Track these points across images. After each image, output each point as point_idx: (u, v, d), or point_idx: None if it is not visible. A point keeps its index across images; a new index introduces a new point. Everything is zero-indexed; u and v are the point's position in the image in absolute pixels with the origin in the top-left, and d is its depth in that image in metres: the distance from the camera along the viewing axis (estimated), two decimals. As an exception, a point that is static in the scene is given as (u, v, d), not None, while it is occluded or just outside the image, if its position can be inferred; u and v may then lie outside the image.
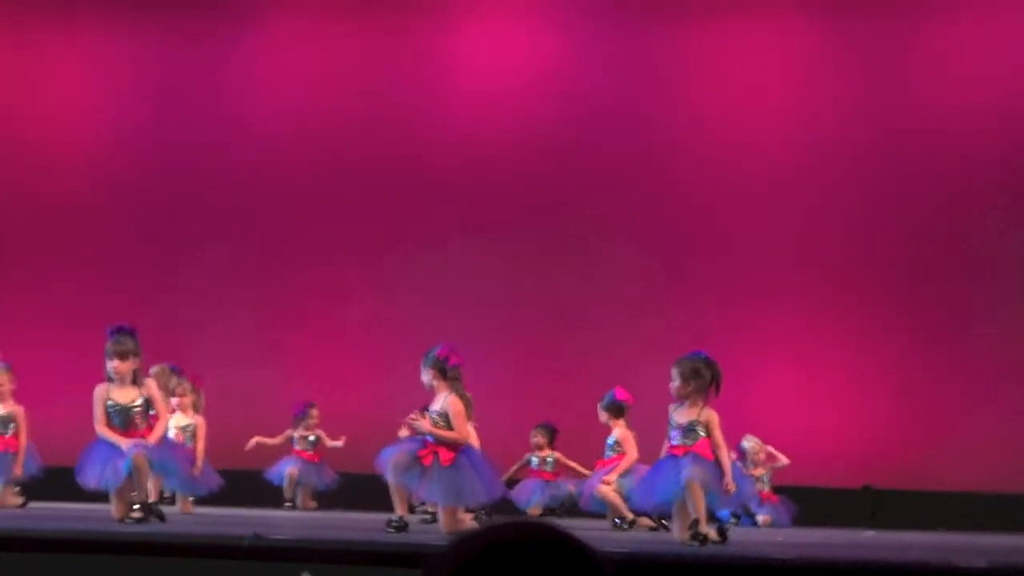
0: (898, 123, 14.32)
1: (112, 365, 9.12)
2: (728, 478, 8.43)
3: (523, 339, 14.20)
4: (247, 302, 14.83)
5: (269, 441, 13.58)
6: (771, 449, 13.07)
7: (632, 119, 14.62)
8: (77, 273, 15.09)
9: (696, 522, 8.27)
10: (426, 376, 9.02)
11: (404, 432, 9.86)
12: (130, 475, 8.96)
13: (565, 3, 15.14)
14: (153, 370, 11.12)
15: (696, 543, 8.09)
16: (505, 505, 11.09)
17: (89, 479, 9.14)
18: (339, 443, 13.48)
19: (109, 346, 9.16)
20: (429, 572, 1.98)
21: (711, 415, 8.58)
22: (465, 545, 1.97)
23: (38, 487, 11.75)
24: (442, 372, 8.97)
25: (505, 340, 13.96)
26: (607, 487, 10.98)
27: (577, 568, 1.92)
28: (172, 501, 11.65)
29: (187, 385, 11.96)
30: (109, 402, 9.13)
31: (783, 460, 13.08)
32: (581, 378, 12.47)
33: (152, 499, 9.84)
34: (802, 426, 13.50)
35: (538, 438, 12.74)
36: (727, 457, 8.66)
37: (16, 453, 11.31)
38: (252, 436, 13.56)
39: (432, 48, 15.04)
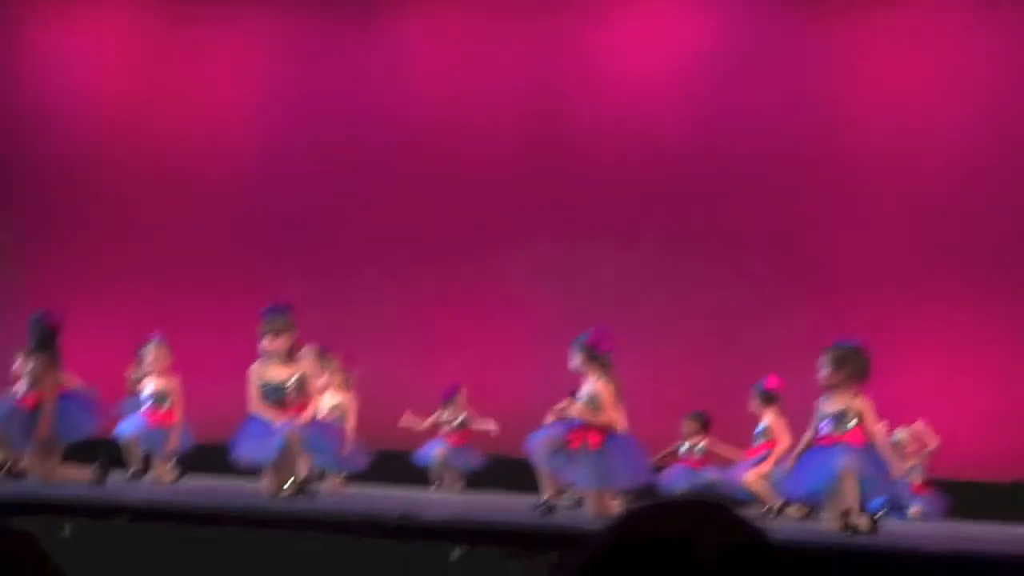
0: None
1: (265, 343, 9.26)
2: (893, 463, 8.36)
3: (675, 328, 14.14)
4: (399, 284, 14.94)
5: (418, 423, 13.65)
6: (920, 427, 12.85)
7: (783, 114, 14.48)
8: (234, 252, 15.32)
9: (848, 511, 8.18)
10: (576, 361, 9.02)
11: (552, 418, 9.86)
12: (282, 453, 9.10)
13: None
14: (302, 350, 11.29)
15: (847, 533, 8.00)
16: (651, 491, 11.06)
17: (243, 455, 9.31)
18: (490, 426, 13.45)
19: (263, 324, 9.30)
20: (574, 559, 1.94)
21: (864, 403, 8.49)
22: (605, 539, 1.92)
23: (192, 462, 11.96)
24: (592, 357, 8.97)
25: (656, 330, 13.90)
26: (754, 476, 10.90)
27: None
28: (322, 479, 11.78)
29: (336, 364, 12.09)
30: (263, 381, 9.27)
31: (932, 442, 12.86)
32: (731, 369, 12.36)
33: (304, 476, 9.96)
34: (954, 419, 13.27)
35: (689, 426, 12.68)
36: (885, 441, 8.57)
37: (170, 428, 11.53)
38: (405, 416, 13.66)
39: (580, 39, 15.00)
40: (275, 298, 9.72)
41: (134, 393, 11.90)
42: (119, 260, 15.43)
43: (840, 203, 14.30)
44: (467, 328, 14.76)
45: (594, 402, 8.87)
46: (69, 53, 15.99)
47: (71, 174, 15.73)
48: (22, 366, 10.08)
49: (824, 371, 8.58)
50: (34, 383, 9.81)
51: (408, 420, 13.60)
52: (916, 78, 14.31)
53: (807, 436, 9.75)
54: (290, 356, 9.37)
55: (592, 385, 8.93)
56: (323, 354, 12.02)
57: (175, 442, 11.55)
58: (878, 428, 8.63)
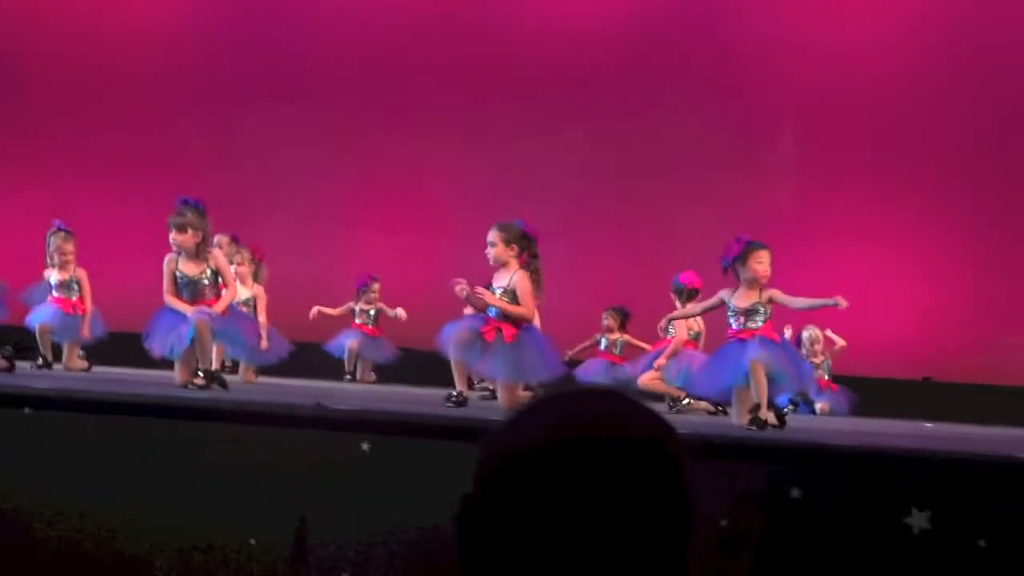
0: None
1: (171, 237, 9.22)
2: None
3: (594, 223, 14.15)
4: (315, 174, 14.87)
5: (330, 311, 13.65)
6: (829, 332, 13.02)
7: (716, 23, 14.48)
8: (148, 143, 15.14)
9: (757, 407, 8.26)
10: (497, 249, 8.94)
11: (468, 310, 9.85)
12: (193, 342, 9.07)
13: None
14: (216, 239, 11.23)
15: (755, 428, 8.08)
16: (566, 384, 11.09)
17: (155, 346, 9.29)
18: (399, 312, 13.46)
19: (169, 218, 9.24)
20: (487, 454, 1.93)
21: (773, 292, 8.56)
22: (524, 429, 1.91)
23: (104, 351, 11.89)
24: (521, 246, 8.92)
25: (576, 224, 13.89)
26: (649, 377, 10.97)
27: (644, 466, 1.86)
28: (235, 370, 11.76)
29: (246, 254, 11.99)
30: (177, 273, 9.24)
31: (840, 342, 13.04)
32: (655, 262, 12.40)
33: (215, 367, 9.93)
34: (864, 314, 13.40)
35: (609, 320, 12.71)
36: (805, 301, 8.67)
37: (82, 316, 11.44)
38: (315, 308, 13.65)
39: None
40: (189, 189, 9.65)
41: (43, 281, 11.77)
42: (31, 148, 15.20)
43: (758, 86, 14.33)
44: (383, 220, 14.71)
45: (512, 295, 8.86)
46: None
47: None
48: None
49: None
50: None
51: (319, 311, 13.59)
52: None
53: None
54: (200, 251, 9.29)
55: (512, 277, 8.90)
56: (235, 243, 11.94)
57: (87, 330, 11.47)
58: (794, 298, 8.69)
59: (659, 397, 10.94)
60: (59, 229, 11.54)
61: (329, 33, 15.14)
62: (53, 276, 11.48)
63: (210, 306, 9.20)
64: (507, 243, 8.94)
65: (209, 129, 15.16)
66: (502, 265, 8.96)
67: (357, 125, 14.98)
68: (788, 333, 12.54)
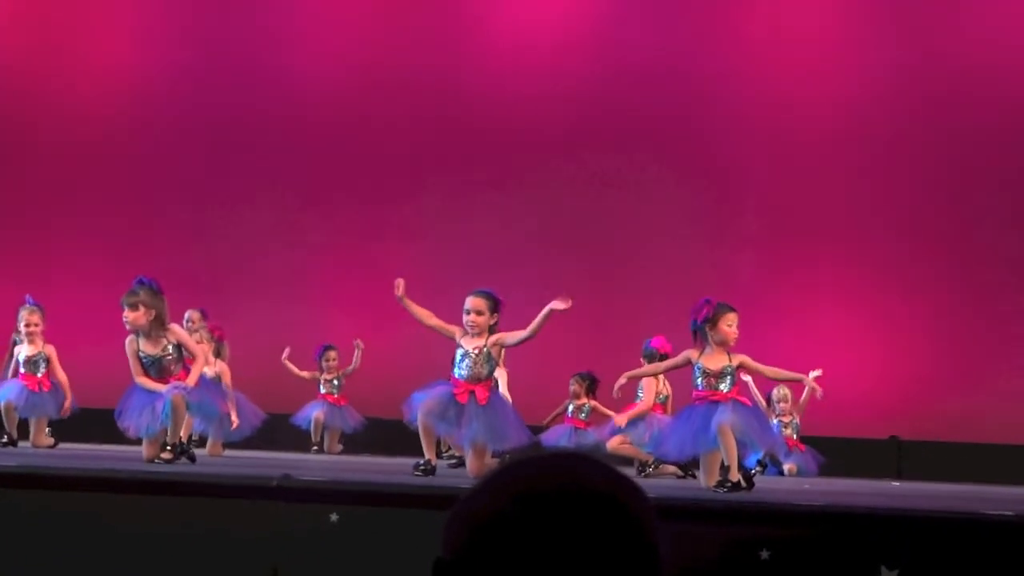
0: (949, 74, 14.27)
1: (124, 315, 9.19)
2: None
3: (560, 288, 14.14)
4: (282, 246, 14.86)
5: (294, 369, 13.62)
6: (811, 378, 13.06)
7: (672, 71, 14.58)
8: (113, 218, 15.12)
9: (726, 469, 8.28)
10: (484, 317, 8.92)
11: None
12: (167, 419, 9.04)
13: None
14: (187, 314, 11.29)
15: (723, 490, 8.10)
16: (533, 450, 11.09)
17: (130, 425, 9.22)
18: (358, 343, 13.51)
19: (122, 298, 9.22)
20: (455, 518, 1.96)
21: (743, 358, 8.61)
22: (491, 492, 1.94)
23: (70, 427, 11.85)
24: (497, 313, 8.96)
25: (542, 290, 13.86)
26: (618, 441, 10.98)
27: (608, 520, 1.89)
28: (202, 444, 11.73)
29: (205, 333, 11.92)
30: (141, 353, 9.20)
31: (810, 383, 13.06)
32: (622, 328, 12.43)
33: (183, 440, 9.90)
34: (830, 374, 13.47)
35: (576, 386, 12.72)
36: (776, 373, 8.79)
37: (49, 392, 11.42)
38: (282, 382, 13.60)
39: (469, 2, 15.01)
40: (157, 262, 9.68)
41: (11, 357, 11.74)
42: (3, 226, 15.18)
43: (733, 161, 14.44)
44: (348, 289, 14.71)
45: (490, 355, 8.91)
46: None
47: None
48: None
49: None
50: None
51: (287, 358, 13.59)
52: (813, 38, 14.48)
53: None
54: (154, 329, 9.25)
55: (488, 339, 8.93)
56: (204, 318, 11.95)
57: (67, 404, 11.45)
58: (765, 367, 8.78)
59: (628, 461, 10.94)
60: (29, 303, 11.52)
61: (295, 105, 15.18)
62: (22, 352, 11.45)
63: (181, 380, 9.18)
64: (491, 311, 8.98)
65: (179, 205, 15.15)
66: (480, 332, 8.98)
67: (319, 198, 15.00)
68: (751, 383, 12.59)
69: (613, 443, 10.99)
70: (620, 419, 10.96)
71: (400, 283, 8.99)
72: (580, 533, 1.86)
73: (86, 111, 15.38)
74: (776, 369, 8.91)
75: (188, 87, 15.34)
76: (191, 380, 9.14)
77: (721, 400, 8.54)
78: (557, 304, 8.77)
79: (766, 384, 12.85)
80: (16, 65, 15.46)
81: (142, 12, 15.62)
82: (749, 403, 8.79)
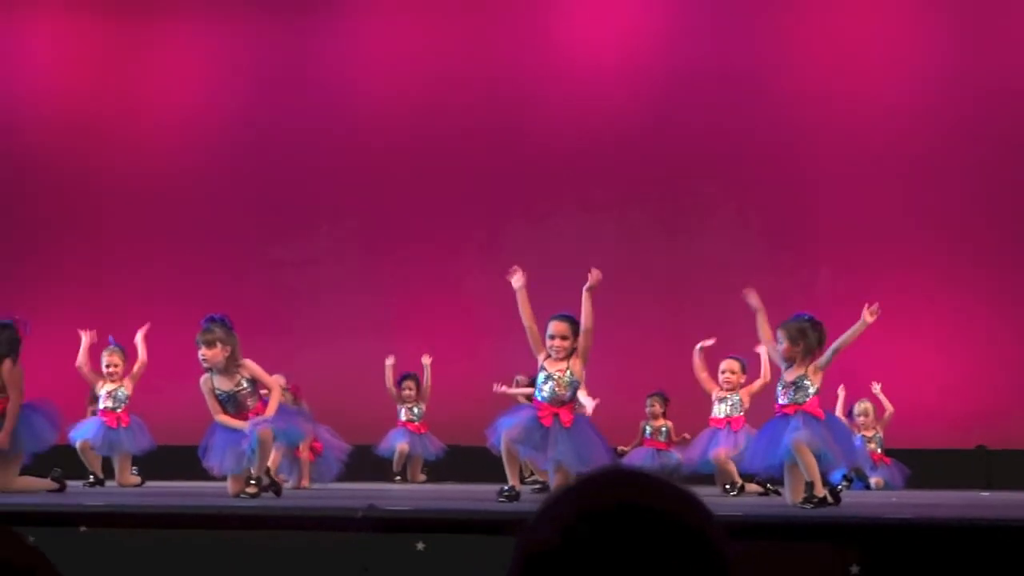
0: (1013, 87, 14.12)
1: (200, 353, 9.27)
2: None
3: (634, 311, 14.10)
4: (360, 277, 14.90)
5: (391, 379, 13.67)
6: (878, 390, 12.93)
7: (738, 90, 14.50)
8: (184, 257, 15.23)
9: (810, 485, 8.22)
10: (569, 341, 8.92)
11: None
12: (255, 454, 9.08)
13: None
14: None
15: (810, 506, 8.04)
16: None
17: (214, 464, 9.29)
18: (425, 360, 13.48)
19: (198, 336, 9.32)
20: (524, 540, 1.94)
21: (816, 364, 8.57)
22: (553, 512, 1.94)
23: (154, 465, 11.96)
24: (576, 334, 8.95)
25: (616, 313, 13.82)
26: (723, 455, 10.91)
27: (672, 536, 1.88)
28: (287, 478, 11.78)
29: (288, 396, 11.97)
30: (216, 390, 9.28)
31: (888, 408, 12.93)
32: (690, 348, 12.33)
33: (267, 475, 9.96)
34: (914, 387, 13.36)
35: (654, 407, 12.69)
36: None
37: (128, 428, 11.63)
38: (363, 411, 13.63)
39: (536, 25, 15.00)
40: (230, 298, 9.77)
41: (94, 397, 11.96)
42: (69, 260, 15.31)
43: (798, 175, 14.34)
44: (430, 318, 14.71)
45: (574, 379, 8.92)
46: (11, 60, 15.87)
47: (23, 177, 15.62)
48: None
49: (781, 345, 8.64)
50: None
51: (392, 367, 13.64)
52: (869, 45, 14.36)
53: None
54: (229, 365, 9.33)
55: (571, 364, 8.93)
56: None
57: (135, 445, 11.65)
58: (834, 344, 8.71)
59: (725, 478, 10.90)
60: (111, 344, 11.85)
61: (358, 140, 15.23)
62: (104, 390, 11.78)
63: (257, 413, 9.24)
64: (574, 335, 8.98)
65: (245, 242, 15.23)
66: (564, 356, 8.98)
67: (389, 229, 15.02)
68: (842, 395, 12.50)
69: (719, 453, 10.94)
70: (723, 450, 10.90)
71: (519, 273, 8.98)
72: (644, 550, 1.85)
73: (150, 150, 15.51)
74: (842, 337, 8.76)
75: (251, 126, 15.43)
76: (270, 411, 9.20)
77: (790, 413, 8.52)
78: (590, 283, 8.82)
79: (848, 398, 12.76)
80: (80, 107, 15.62)
81: (201, 49, 15.72)
82: (822, 415, 8.68)
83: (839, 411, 12.37)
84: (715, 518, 1.93)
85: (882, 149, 14.24)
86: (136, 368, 11.79)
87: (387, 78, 15.25)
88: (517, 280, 8.98)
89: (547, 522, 1.92)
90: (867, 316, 8.71)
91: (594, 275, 8.88)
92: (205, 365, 9.32)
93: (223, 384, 9.30)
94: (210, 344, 9.27)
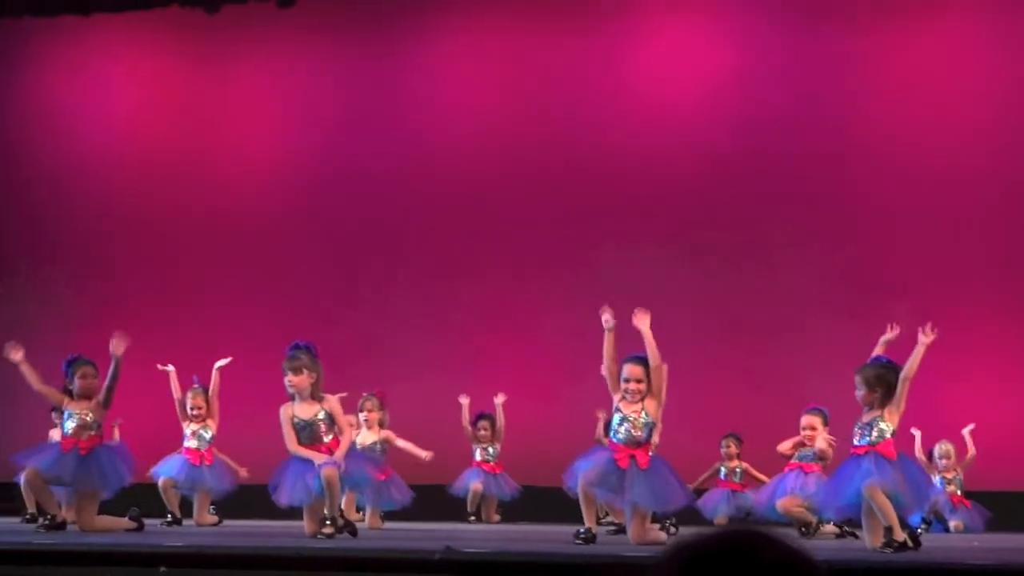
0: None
1: (287, 380, 9.38)
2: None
3: (708, 350, 14.04)
4: (435, 316, 14.92)
5: (467, 417, 13.65)
6: (965, 432, 12.78)
7: (814, 125, 14.44)
8: (264, 294, 15.33)
9: (889, 529, 8.15)
10: (643, 384, 8.91)
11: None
12: (322, 491, 9.13)
13: (744, 12, 14.94)
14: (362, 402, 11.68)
15: (889, 550, 7.96)
16: (691, 514, 11.02)
17: (282, 497, 9.35)
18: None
19: (284, 363, 9.42)
20: None
21: (892, 404, 8.49)
22: (682, 553, 1.95)
23: (232, 505, 12.05)
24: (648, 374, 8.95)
25: (690, 352, 13.76)
26: (790, 503, 10.82)
27: None
28: (362, 516, 11.82)
29: (375, 401, 12.15)
30: (295, 419, 9.35)
31: (971, 449, 12.79)
32: (768, 387, 12.29)
33: (342, 515, 10.00)
34: (994, 428, 13.20)
35: (729, 448, 12.64)
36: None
37: (211, 466, 11.78)
38: (436, 450, 13.65)
39: (609, 59, 15.01)
40: (309, 333, 9.86)
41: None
42: (155, 302, 15.45)
43: (875, 213, 14.24)
44: (497, 363, 14.69)
45: (651, 423, 8.91)
46: (94, 103, 16.08)
47: (103, 221, 15.81)
48: (70, 408, 10.07)
49: (859, 391, 8.57)
50: (85, 428, 9.91)
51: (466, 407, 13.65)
52: (945, 83, 14.26)
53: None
54: (315, 392, 9.43)
55: (646, 405, 8.92)
56: (368, 397, 12.14)
57: (217, 484, 11.82)
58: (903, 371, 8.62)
59: (788, 523, 10.80)
60: (195, 384, 12.05)
61: (433, 178, 15.28)
62: (188, 427, 12.00)
63: (331, 448, 9.28)
64: (649, 376, 8.98)
65: (324, 279, 15.32)
66: (640, 399, 8.96)
67: (464, 268, 15.04)
68: (918, 436, 12.38)
69: (784, 503, 10.84)
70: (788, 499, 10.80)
71: (610, 312, 9.00)
72: None
73: (227, 190, 15.63)
74: (907, 363, 8.67)
75: (327, 165, 15.51)
76: (340, 454, 9.23)
77: (861, 454, 8.46)
78: (639, 322, 8.90)
79: (928, 440, 12.64)
80: (160, 148, 15.79)
81: (276, 92, 15.85)
82: (894, 455, 8.57)
83: (917, 452, 12.26)
84: None
85: (961, 186, 14.09)
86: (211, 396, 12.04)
87: (461, 116, 15.30)
88: (609, 321, 8.97)
89: (667, 569, 1.93)
90: (923, 338, 8.64)
91: (642, 315, 8.87)
92: (290, 391, 9.41)
93: (303, 412, 9.38)
94: (297, 371, 9.37)
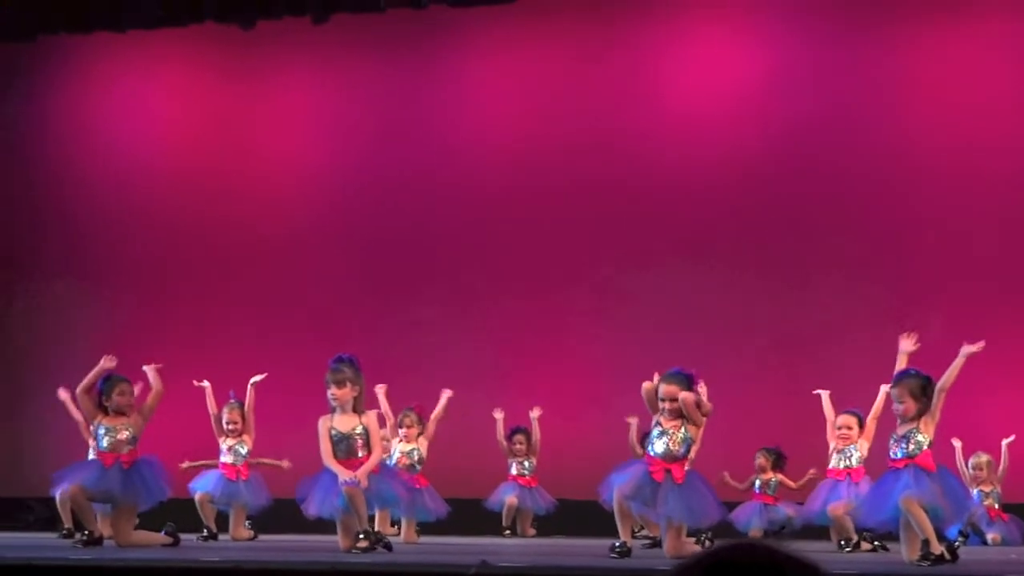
0: None
1: (330, 392, 9.42)
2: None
3: (746, 365, 13.98)
4: (470, 329, 14.92)
5: (502, 434, 13.67)
6: (1005, 443, 12.70)
7: (847, 133, 14.38)
8: (297, 307, 15.36)
9: (926, 542, 8.11)
10: (677, 402, 8.90)
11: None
12: (347, 508, 9.16)
13: (772, 21, 14.92)
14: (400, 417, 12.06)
15: (926, 563, 7.92)
16: (725, 528, 11.01)
17: (311, 508, 9.40)
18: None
19: (328, 375, 9.45)
20: None
21: (929, 415, 8.45)
22: (688, 569, 1.98)
23: (268, 520, 12.09)
24: (688, 388, 8.94)
25: (729, 364, 13.72)
26: (841, 509, 10.79)
27: None
28: (397, 530, 11.84)
29: (414, 416, 12.21)
30: (333, 431, 9.38)
31: (1004, 462, 12.70)
32: (805, 402, 12.21)
33: (379, 528, 10.03)
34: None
35: (761, 460, 12.63)
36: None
37: (247, 481, 11.85)
38: (472, 464, 13.67)
39: (640, 71, 14.99)
40: (342, 348, 9.91)
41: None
42: (190, 315, 15.51)
43: (911, 226, 14.16)
44: (540, 372, 14.68)
45: (689, 439, 8.91)
46: (130, 118, 16.16)
47: (139, 235, 15.88)
48: (106, 424, 10.11)
49: (901, 404, 8.52)
50: (123, 444, 9.97)
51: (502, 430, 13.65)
52: (981, 91, 14.18)
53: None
54: (357, 405, 9.47)
55: (685, 422, 8.92)
56: (408, 412, 12.20)
57: (253, 499, 11.88)
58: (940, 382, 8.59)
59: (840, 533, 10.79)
60: (231, 400, 12.11)
61: (468, 191, 15.28)
62: (224, 443, 12.06)
63: (362, 464, 9.31)
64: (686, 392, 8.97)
65: (356, 293, 15.35)
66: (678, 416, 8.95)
67: (499, 282, 15.02)
68: (958, 446, 12.32)
69: (836, 508, 10.82)
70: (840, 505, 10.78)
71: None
72: None
73: (263, 203, 15.65)
74: (945, 374, 8.63)
75: (364, 178, 15.51)
76: (361, 474, 9.22)
77: (901, 467, 8.43)
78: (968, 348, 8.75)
79: (966, 450, 12.57)
80: (197, 162, 15.83)
81: (313, 104, 15.90)
82: (933, 467, 8.53)
83: (959, 464, 12.20)
84: None
85: (1005, 193, 14.00)
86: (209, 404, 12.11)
87: (492, 131, 15.29)
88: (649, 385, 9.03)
89: None
90: (966, 348, 8.61)
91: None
92: (332, 403, 9.44)
93: (341, 425, 9.41)
94: (340, 384, 9.41)
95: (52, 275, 16.05)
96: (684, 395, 8.86)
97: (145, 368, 10.37)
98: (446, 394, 12.49)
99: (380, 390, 12.13)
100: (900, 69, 14.45)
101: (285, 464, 12.34)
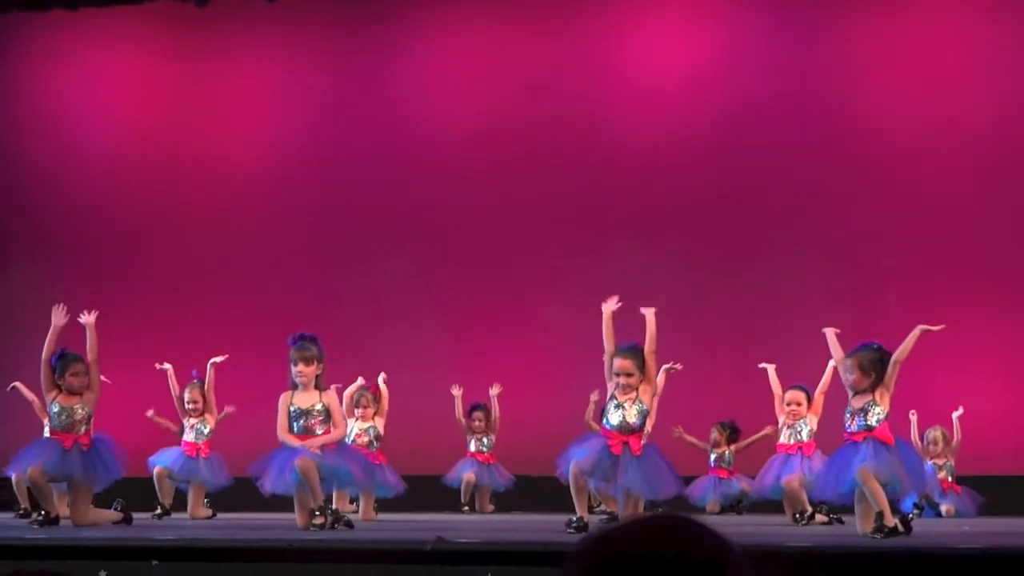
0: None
1: (296, 370, 9.42)
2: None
3: (700, 342, 14.01)
4: (428, 308, 14.92)
5: (460, 408, 13.71)
6: (955, 416, 12.78)
7: (808, 114, 14.43)
8: (255, 287, 15.32)
9: (880, 515, 8.18)
10: (635, 377, 8.96)
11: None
12: (301, 485, 9.16)
13: (728, 0, 14.95)
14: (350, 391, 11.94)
15: (879, 536, 7.98)
16: (681, 502, 11.09)
17: (266, 484, 9.41)
18: (493, 395, 13.55)
19: (293, 352, 9.48)
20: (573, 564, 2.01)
21: (883, 387, 8.52)
22: (579, 557, 1.97)
23: (227, 498, 12.08)
24: (642, 367, 9.00)
25: (682, 342, 13.76)
26: (796, 479, 10.86)
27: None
28: (356, 507, 11.85)
29: (369, 396, 12.20)
30: (292, 406, 9.39)
31: (957, 435, 12.79)
32: (758, 377, 12.27)
33: (337, 505, 10.04)
34: (986, 413, 13.22)
35: (716, 435, 12.72)
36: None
37: (207, 459, 11.89)
38: (430, 441, 13.71)
39: (600, 49, 15.00)
40: (300, 326, 9.94)
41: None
42: (146, 297, 15.44)
43: (861, 203, 14.23)
44: (498, 349, 14.70)
45: (644, 411, 8.96)
46: (83, 96, 16.06)
47: (93, 214, 15.80)
48: (59, 403, 10.06)
49: (851, 375, 8.59)
50: (79, 424, 9.93)
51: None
52: (933, 69, 14.25)
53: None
54: (319, 383, 9.50)
55: (641, 395, 8.96)
56: (363, 391, 12.19)
57: (212, 478, 11.88)
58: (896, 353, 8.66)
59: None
60: (194, 379, 12.15)
61: (424, 170, 15.26)
62: (187, 422, 12.11)
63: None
64: (640, 369, 9.01)
65: (314, 273, 15.31)
66: (632, 390, 9.00)
67: (457, 261, 15.01)
68: (914, 420, 12.41)
69: (791, 480, 10.88)
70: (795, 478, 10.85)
71: (614, 299, 9.09)
72: None
73: (218, 183, 15.58)
74: (901, 346, 8.69)
75: (317, 157, 15.48)
76: (313, 444, 9.24)
77: (859, 440, 8.48)
78: (647, 310, 9.12)
79: (921, 423, 12.67)
80: (152, 141, 15.74)
81: (267, 82, 15.84)
82: (892, 440, 8.60)
83: (913, 436, 12.29)
84: (746, 569, 1.96)
85: (954, 174, 14.08)
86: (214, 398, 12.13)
87: (452, 108, 15.27)
88: (610, 306, 9.05)
89: (573, 566, 1.97)
90: (923, 325, 8.68)
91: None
92: (297, 380, 9.46)
93: (301, 402, 9.44)
94: (308, 361, 9.45)
95: (5, 256, 15.95)
96: (648, 312, 8.97)
97: (81, 319, 10.22)
98: (381, 376, 12.47)
99: (381, 377, 12.26)
100: (853, 48, 14.51)
101: (229, 409, 12.45)
